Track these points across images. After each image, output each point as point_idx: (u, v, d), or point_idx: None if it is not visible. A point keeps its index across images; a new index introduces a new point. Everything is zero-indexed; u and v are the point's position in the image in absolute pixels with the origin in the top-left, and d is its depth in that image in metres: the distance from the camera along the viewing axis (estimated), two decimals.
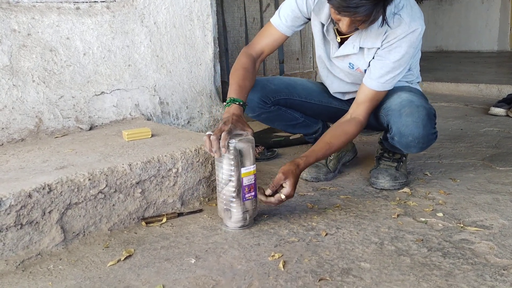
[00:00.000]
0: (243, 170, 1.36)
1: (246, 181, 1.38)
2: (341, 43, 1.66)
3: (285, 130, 2.02)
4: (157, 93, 2.16)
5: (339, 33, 1.64)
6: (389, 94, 1.71)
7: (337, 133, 1.60)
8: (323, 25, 1.65)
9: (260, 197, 1.43)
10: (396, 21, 1.51)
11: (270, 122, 1.92)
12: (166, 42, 2.17)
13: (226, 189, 1.39)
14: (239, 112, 1.45)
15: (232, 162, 1.35)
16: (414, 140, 1.62)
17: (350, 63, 1.68)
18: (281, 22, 1.67)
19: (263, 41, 1.69)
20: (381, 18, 1.42)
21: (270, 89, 1.80)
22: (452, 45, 8.56)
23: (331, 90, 1.90)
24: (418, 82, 1.89)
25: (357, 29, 1.48)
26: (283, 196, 1.42)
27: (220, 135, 1.33)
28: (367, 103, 1.63)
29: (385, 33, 1.53)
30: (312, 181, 1.86)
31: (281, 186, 1.44)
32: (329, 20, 1.61)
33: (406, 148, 1.68)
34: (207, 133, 1.36)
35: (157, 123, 2.10)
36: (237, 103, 1.47)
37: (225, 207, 1.41)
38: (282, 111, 1.87)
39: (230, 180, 1.37)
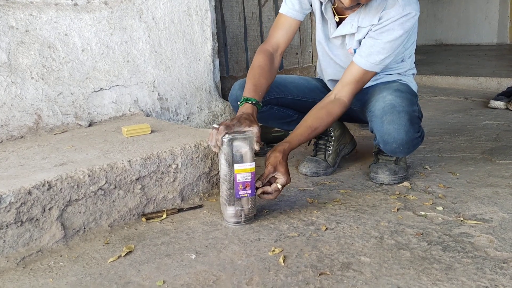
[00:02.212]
0: (237, 166, 1.36)
1: (240, 177, 1.37)
2: (339, 24, 1.66)
3: (280, 128, 2.03)
4: (156, 89, 2.15)
5: (338, 12, 1.64)
6: (375, 92, 1.70)
7: (320, 115, 1.58)
8: (321, 3, 1.65)
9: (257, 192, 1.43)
10: (390, 2, 1.51)
11: (263, 121, 1.93)
12: (164, 38, 2.16)
13: (223, 185, 1.40)
14: (249, 111, 1.47)
15: (225, 157, 1.36)
16: (399, 146, 1.63)
17: (345, 43, 1.69)
18: (289, 8, 1.67)
19: (277, 34, 1.69)
20: None
21: None
22: (452, 38, 8.53)
23: (325, 76, 1.90)
24: (413, 74, 1.87)
25: (358, 4, 1.47)
26: (279, 186, 1.43)
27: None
28: (353, 84, 1.61)
29: (382, 11, 1.53)
30: (312, 176, 1.87)
31: (273, 177, 1.45)
32: None
33: (393, 153, 1.69)
34: (213, 125, 1.39)
35: (156, 119, 2.10)
36: (249, 102, 1.49)
37: (222, 201, 1.42)
38: (274, 110, 1.88)
39: (225, 175, 1.38)
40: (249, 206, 1.41)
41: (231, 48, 2.83)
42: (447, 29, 8.57)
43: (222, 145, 1.36)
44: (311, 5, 1.69)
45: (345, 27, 1.63)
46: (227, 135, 1.35)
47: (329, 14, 1.66)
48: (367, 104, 1.72)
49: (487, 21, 8.01)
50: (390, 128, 1.59)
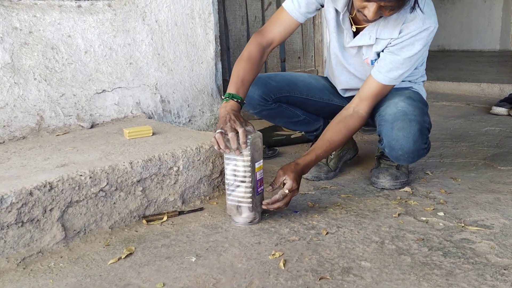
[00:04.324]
0: (257, 165, 1.40)
1: (258, 175, 1.42)
2: (355, 33, 1.64)
3: (286, 127, 2.03)
4: (159, 91, 2.16)
5: (355, 22, 1.63)
6: (386, 97, 1.68)
7: (338, 128, 1.58)
8: (337, 12, 1.63)
9: (266, 203, 1.43)
10: (411, 15, 1.49)
11: (271, 118, 1.92)
12: (167, 40, 2.17)
13: (241, 185, 1.40)
14: (237, 109, 1.46)
15: (250, 158, 1.37)
16: (404, 154, 1.61)
17: (361, 52, 1.67)
18: (295, 7, 1.63)
19: (275, 29, 1.66)
20: (410, 2, 1.40)
21: (272, 87, 1.80)
22: (454, 44, 8.53)
23: (338, 84, 1.87)
24: (423, 81, 1.86)
25: (380, 17, 1.47)
26: (286, 191, 1.43)
27: (236, 132, 1.35)
28: (371, 99, 1.60)
29: (402, 24, 1.51)
30: (313, 180, 1.86)
31: (283, 184, 1.45)
32: (346, 8, 1.59)
33: (397, 160, 1.68)
34: (217, 131, 1.37)
35: (158, 121, 2.10)
36: (235, 100, 1.48)
37: (237, 204, 1.42)
38: (283, 108, 1.87)
39: (245, 176, 1.39)
40: (260, 202, 1.45)
41: (234, 51, 2.84)
42: (450, 35, 8.58)
43: (247, 146, 1.36)
44: (317, 10, 1.68)
45: (362, 38, 1.60)
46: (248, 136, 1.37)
47: (346, 24, 1.62)
48: (377, 108, 1.70)
49: (489, 28, 8.01)
50: (399, 135, 1.58)
